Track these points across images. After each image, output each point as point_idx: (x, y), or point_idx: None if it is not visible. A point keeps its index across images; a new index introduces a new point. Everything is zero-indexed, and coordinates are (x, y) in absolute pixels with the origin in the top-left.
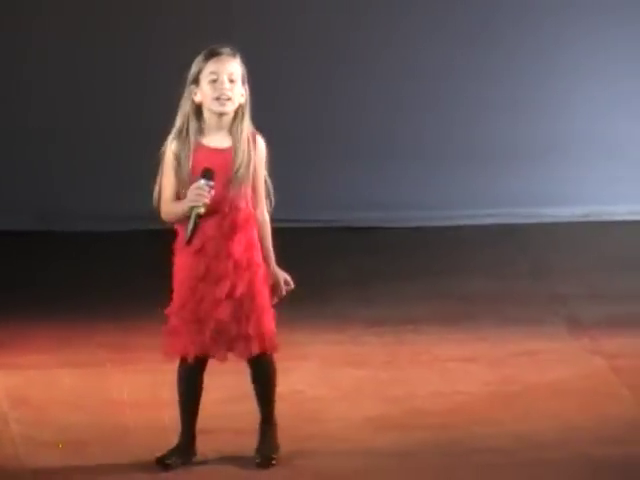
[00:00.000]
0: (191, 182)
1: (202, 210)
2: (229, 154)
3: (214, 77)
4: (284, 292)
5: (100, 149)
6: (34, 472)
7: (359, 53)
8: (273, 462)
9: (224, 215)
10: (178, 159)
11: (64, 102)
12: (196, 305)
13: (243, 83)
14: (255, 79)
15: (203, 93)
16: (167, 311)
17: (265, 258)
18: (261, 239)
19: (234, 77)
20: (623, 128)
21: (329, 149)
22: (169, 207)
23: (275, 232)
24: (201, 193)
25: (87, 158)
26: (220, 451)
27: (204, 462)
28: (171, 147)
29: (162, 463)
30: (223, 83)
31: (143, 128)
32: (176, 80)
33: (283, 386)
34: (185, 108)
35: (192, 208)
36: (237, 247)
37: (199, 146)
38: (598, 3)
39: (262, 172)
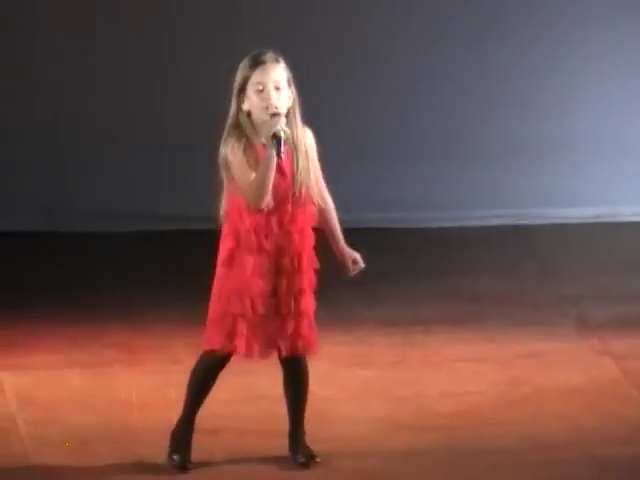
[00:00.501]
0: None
1: (281, 132)
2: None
3: (260, 87)
4: (353, 271)
5: (107, 149)
6: (43, 472)
7: (365, 52)
8: (317, 459)
9: (286, 214)
10: (250, 160)
11: (72, 103)
12: (256, 300)
13: (289, 85)
14: None
15: (251, 102)
16: (218, 308)
17: (335, 238)
18: (329, 221)
19: (280, 84)
20: (633, 128)
21: (335, 149)
22: (255, 179)
23: None
24: (274, 121)
25: (95, 158)
26: (227, 451)
27: (211, 462)
28: (236, 152)
29: (186, 468)
30: (269, 93)
31: (152, 128)
32: (186, 80)
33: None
34: (236, 115)
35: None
36: (296, 244)
37: (262, 147)
38: (606, 4)
39: (317, 163)
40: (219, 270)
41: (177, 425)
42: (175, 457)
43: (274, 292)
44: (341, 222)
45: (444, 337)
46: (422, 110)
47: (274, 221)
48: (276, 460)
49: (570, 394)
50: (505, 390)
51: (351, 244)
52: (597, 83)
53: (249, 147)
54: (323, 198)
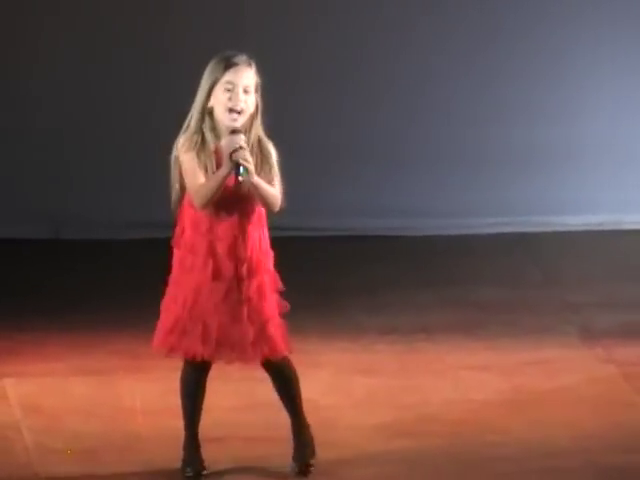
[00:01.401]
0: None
1: (243, 145)
2: None
3: (229, 87)
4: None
5: (113, 158)
6: None
7: (371, 57)
8: (311, 468)
9: (236, 218)
10: (202, 160)
11: (77, 111)
12: (203, 305)
13: (256, 91)
14: (266, 82)
15: (217, 100)
16: (163, 306)
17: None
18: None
19: (249, 88)
20: (638, 136)
21: (341, 156)
22: (205, 185)
23: (287, 241)
24: (235, 140)
25: (100, 167)
26: (232, 459)
27: (215, 470)
28: (188, 149)
29: (200, 476)
30: (238, 95)
31: (156, 137)
32: (190, 88)
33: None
34: (199, 111)
35: (232, 156)
36: (247, 249)
37: (216, 149)
38: (616, 10)
39: (276, 174)
40: (173, 273)
41: (184, 438)
42: (188, 469)
43: (226, 297)
44: (346, 229)
45: (448, 345)
46: (428, 117)
47: (222, 224)
48: (281, 467)
49: (574, 401)
50: (509, 398)
51: (356, 252)
52: (602, 91)
53: (203, 147)
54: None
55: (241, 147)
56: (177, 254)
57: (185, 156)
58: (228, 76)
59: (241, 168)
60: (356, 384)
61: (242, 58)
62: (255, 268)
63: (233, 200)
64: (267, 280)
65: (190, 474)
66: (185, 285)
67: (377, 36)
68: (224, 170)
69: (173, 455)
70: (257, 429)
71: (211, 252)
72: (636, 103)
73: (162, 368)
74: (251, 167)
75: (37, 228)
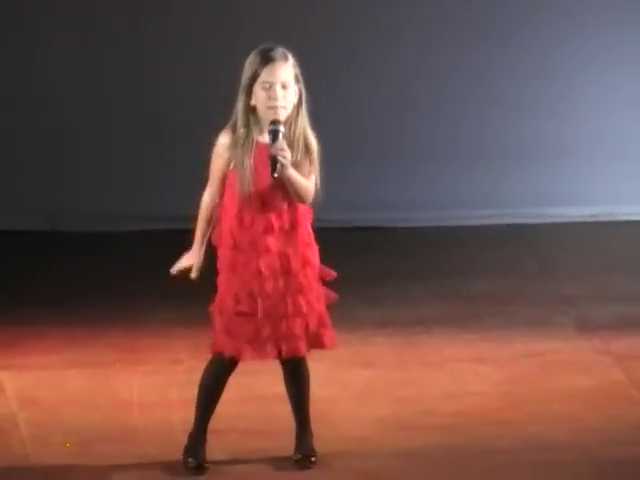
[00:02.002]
0: (254, 180)
1: (281, 129)
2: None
3: (267, 86)
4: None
5: (109, 150)
6: (44, 472)
7: (368, 53)
8: (312, 459)
9: (280, 211)
10: (236, 156)
11: (73, 103)
12: (253, 302)
13: (297, 82)
14: None
15: (257, 98)
16: (213, 308)
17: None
18: None
19: (287, 83)
20: (632, 128)
21: (338, 149)
22: (201, 206)
23: None
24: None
25: (96, 159)
26: (230, 451)
27: (214, 462)
28: (225, 142)
29: (202, 467)
30: (276, 92)
31: (152, 129)
32: (187, 83)
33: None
34: (241, 108)
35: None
36: (293, 243)
37: (258, 144)
38: (606, 6)
39: (315, 167)
40: (220, 273)
41: (193, 429)
42: (190, 460)
43: (264, 292)
44: (343, 222)
45: (445, 337)
46: (423, 111)
47: (272, 221)
48: (279, 460)
49: (571, 394)
50: (506, 390)
51: (353, 244)
52: (595, 85)
53: (244, 142)
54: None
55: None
56: (221, 253)
57: (215, 151)
58: (264, 75)
59: (278, 165)
60: (354, 377)
61: (278, 52)
62: (302, 262)
63: (278, 194)
64: (311, 274)
65: (192, 464)
66: (231, 283)
67: (370, 32)
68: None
69: (170, 448)
70: (255, 422)
71: (255, 248)
72: (628, 97)
73: (159, 361)
74: (286, 162)
75: (34, 220)
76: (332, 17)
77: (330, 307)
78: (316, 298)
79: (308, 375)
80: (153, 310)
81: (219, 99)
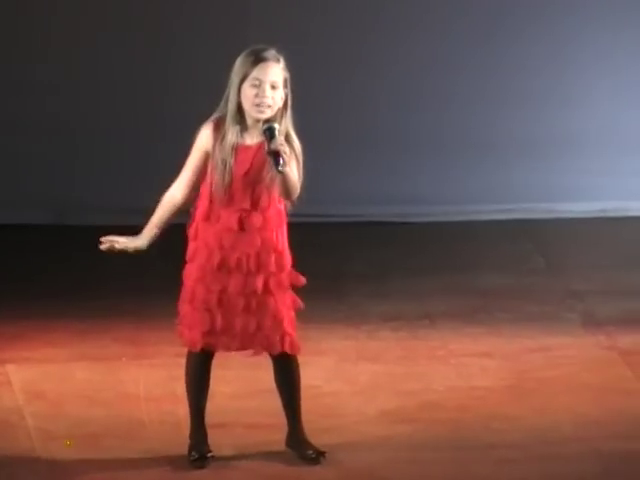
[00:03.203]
0: (234, 180)
1: (276, 126)
2: (254, 151)
3: (257, 83)
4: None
5: (115, 144)
6: (50, 465)
7: (377, 48)
8: (325, 454)
9: (247, 212)
10: (218, 152)
11: (81, 96)
12: (208, 296)
13: (285, 86)
14: None
15: (244, 95)
16: (180, 300)
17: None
18: None
19: (277, 84)
20: None
21: (345, 144)
22: (165, 196)
23: (292, 227)
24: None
25: (104, 153)
26: (234, 445)
27: (218, 457)
28: (208, 136)
29: (205, 459)
30: (265, 91)
31: (160, 123)
32: (194, 77)
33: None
34: (232, 106)
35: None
36: (259, 243)
37: (239, 144)
38: None
39: (299, 172)
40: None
41: (190, 424)
42: (193, 453)
43: (220, 286)
44: (351, 216)
45: (451, 332)
46: (432, 106)
47: (232, 216)
48: (284, 454)
49: (577, 389)
50: (512, 385)
51: (360, 238)
52: (605, 79)
53: (232, 140)
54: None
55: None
56: (192, 246)
57: (196, 143)
58: (256, 72)
59: (280, 159)
60: (359, 371)
61: (270, 53)
62: (264, 263)
63: (247, 195)
64: (282, 277)
65: (195, 457)
66: (191, 275)
67: (379, 27)
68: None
69: (175, 441)
70: (259, 415)
71: (218, 243)
72: (637, 91)
73: (165, 354)
74: (287, 158)
75: (41, 214)
76: (341, 12)
77: (336, 301)
78: (281, 301)
79: (295, 374)
80: (160, 304)
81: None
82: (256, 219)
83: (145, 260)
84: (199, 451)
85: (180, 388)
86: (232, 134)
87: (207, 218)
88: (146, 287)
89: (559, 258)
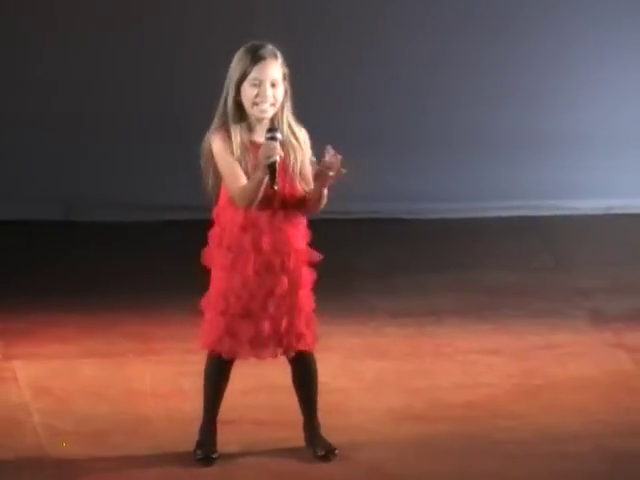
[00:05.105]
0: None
1: (277, 159)
2: None
3: (256, 82)
4: (332, 170)
5: (123, 139)
6: (56, 462)
7: (383, 42)
8: (336, 452)
9: (274, 211)
10: (235, 154)
11: (88, 93)
12: (245, 300)
13: (284, 80)
14: None
15: (244, 94)
16: (204, 302)
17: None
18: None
19: (276, 81)
20: None
21: (353, 140)
22: (245, 188)
23: None
24: (271, 148)
25: (111, 149)
26: (242, 442)
27: (226, 453)
28: (222, 143)
29: (210, 459)
30: (266, 90)
31: (167, 120)
32: (200, 74)
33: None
34: (231, 105)
35: (267, 165)
36: (288, 241)
37: (252, 142)
38: None
39: (307, 164)
40: (214, 272)
41: (202, 420)
42: (199, 452)
43: (263, 291)
44: (358, 213)
45: (458, 328)
46: (439, 103)
47: (263, 218)
48: (292, 451)
49: (584, 386)
50: (518, 382)
51: (368, 235)
52: (612, 77)
53: (235, 140)
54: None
55: (278, 157)
56: (217, 252)
57: (220, 151)
58: (255, 72)
59: (277, 177)
60: (366, 367)
61: (268, 50)
62: (298, 262)
63: (273, 196)
64: (305, 274)
65: (200, 457)
66: (228, 282)
67: (386, 24)
68: (261, 174)
69: (182, 438)
70: (267, 412)
71: (254, 247)
72: None
73: (172, 351)
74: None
75: (48, 210)
76: (346, 11)
77: (343, 298)
78: (308, 298)
79: (314, 370)
80: (167, 300)
81: None
82: (284, 217)
83: (153, 256)
84: (205, 450)
85: (187, 384)
86: (236, 133)
87: (236, 224)
88: (153, 283)
89: (567, 255)
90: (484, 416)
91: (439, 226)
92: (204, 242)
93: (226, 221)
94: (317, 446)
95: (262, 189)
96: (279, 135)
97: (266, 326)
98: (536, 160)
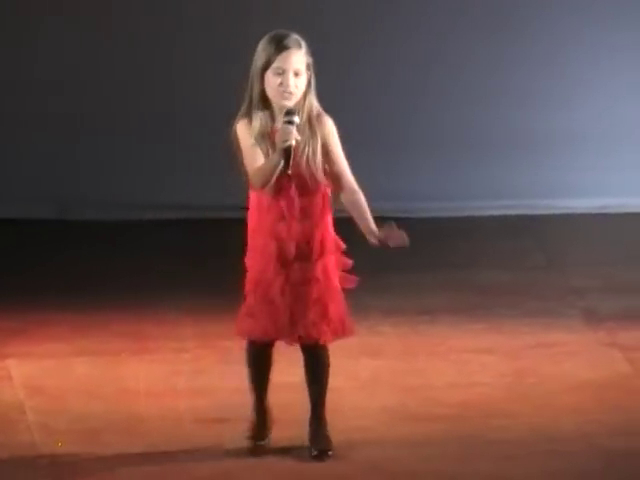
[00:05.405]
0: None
1: (293, 143)
2: None
3: (280, 71)
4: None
5: (119, 138)
6: (50, 460)
7: (376, 43)
8: (330, 453)
9: (296, 198)
10: (258, 139)
11: (84, 92)
12: (268, 286)
13: (308, 69)
14: None
15: (268, 83)
16: (245, 290)
17: (364, 223)
18: (358, 209)
19: (299, 71)
20: None
21: (345, 140)
22: (260, 169)
23: None
24: (287, 132)
25: (106, 148)
26: (236, 441)
27: (222, 452)
28: (245, 128)
29: (255, 447)
30: (289, 79)
31: (164, 118)
32: (197, 74)
33: (300, 376)
34: (257, 94)
35: (283, 148)
36: (306, 230)
37: (272, 129)
38: None
39: (336, 149)
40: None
41: (252, 404)
42: (246, 440)
43: (284, 278)
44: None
45: (451, 328)
46: (432, 102)
47: (283, 206)
48: (289, 450)
49: (578, 386)
50: (512, 381)
51: (361, 233)
52: (606, 77)
53: (266, 128)
54: (350, 188)
55: (294, 141)
56: (249, 237)
57: (242, 136)
58: (278, 61)
59: (291, 161)
60: (360, 366)
61: (292, 40)
62: (321, 249)
63: (297, 180)
64: (332, 261)
65: (249, 445)
66: (254, 267)
67: (383, 20)
68: (277, 157)
69: (176, 436)
70: None
71: (274, 233)
72: (636, 86)
73: (166, 350)
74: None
75: (43, 209)
76: (341, 11)
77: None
78: (326, 290)
79: (328, 364)
80: (161, 299)
81: (230, 91)
82: (306, 204)
83: (146, 256)
84: (254, 439)
85: (181, 383)
86: (258, 121)
87: (260, 208)
88: (148, 282)
89: (560, 254)
90: (478, 415)
91: (432, 225)
92: (199, 242)
93: (253, 206)
94: (313, 445)
95: (276, 172)
96: (297, 119)
97: (282, 313)
98: (529, 159)
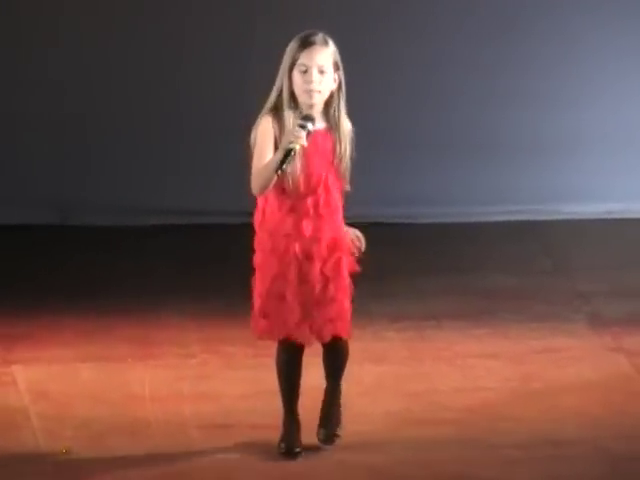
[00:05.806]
0: (302, 166)
1: (297, 147)
2: (321, 135)
3: (304, 69)
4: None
5: (122, 144)
6: (55, 466)
7: (382, 46)
8: (337, 438)
9: (318, 197)
10: (283, 141)
11: (88, 96)
12: (286, 286)
13: (336, 69)
14: (273, 67)
15: (295, 81)
16: (256, 292)
17: None
18: None
19: (324, 68)
20: None
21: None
22: (262, 168)
23: None
24: (296, 135)
25: (109, 153)
26: (240, 446)
27: (224, 457)
28: (264, 131)
29: (292, 453)
30: (312, 76)
31: (168, 123)
32: (201, 77)
33: (304, 381)
34: (286, 92)
35: (286, 148)
36: (329, 229)
37: None
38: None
39: (348, 154)
40: (256, 256)
41: (283, 415)
42: (282, 445)
43: (300, 277)
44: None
45: (457, 333)
46: (439, 105)
47: (309, 205)
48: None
49: (583, 390)
50: (517, 386)
51: (366, 239)
52: (612, 81)
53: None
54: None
55: (299, 146)
56: (259, 236)
57: (263, 132)
58: (302, 58)
59: (287, 164)
60: (365, 371)
61: (318, 37)
62: (333, 247)
63: (319, 180)
64: (344, 258)
65: (283, 450)
66: (267, 267)
67: (389, 21)
68: (277, 156)
69: (180, 441)
70: (265, 416)
71: (292, 233)
72: None
73: (171, 355)
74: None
75: (46, 214)
76: (346, 12)
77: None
78: (341, 286)
79: (347, 353)
80: (165, 304)
81: (236, 96)
82: (327, 203)
83: (151, 261)
84: (287, 445)
85: (186, 388)
86: (290, 121)
87: (280, 208)
88: (153, 288)
89: (565, 259)
90: (483, 420)
91: (437, 230)
92: (203, 247)
93: (266, 205)
94: (321, 429)
95: (274, 176)
96: (310, 126)
97: (297, 311)
98: (535, 163)
